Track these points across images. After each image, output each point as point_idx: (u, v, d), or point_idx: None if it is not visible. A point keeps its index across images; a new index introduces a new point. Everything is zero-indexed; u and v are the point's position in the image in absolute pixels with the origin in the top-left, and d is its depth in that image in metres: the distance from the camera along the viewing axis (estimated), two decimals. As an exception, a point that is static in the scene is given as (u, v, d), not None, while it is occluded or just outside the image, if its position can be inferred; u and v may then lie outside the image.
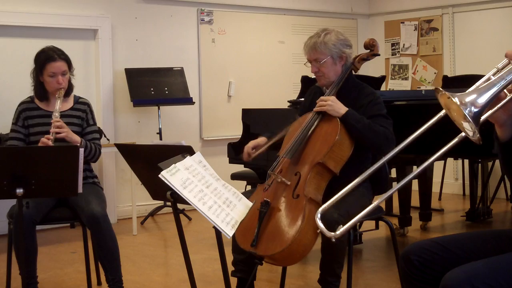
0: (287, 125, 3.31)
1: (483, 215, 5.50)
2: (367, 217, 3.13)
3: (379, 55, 3.42)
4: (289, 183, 2.96)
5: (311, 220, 2.76)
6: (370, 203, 2.46)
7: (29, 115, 3.57)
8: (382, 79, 5.52)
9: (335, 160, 3.00)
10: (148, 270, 4.31)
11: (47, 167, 2.89)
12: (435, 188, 6.02)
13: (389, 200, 5.58)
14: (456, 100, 1.72)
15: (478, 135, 1.74)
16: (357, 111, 3.09)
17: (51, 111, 3.50)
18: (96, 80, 6.03)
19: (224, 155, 5.01)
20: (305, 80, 4.85)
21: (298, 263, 3.56)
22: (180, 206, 2.67)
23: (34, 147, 3.32)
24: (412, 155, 4.55)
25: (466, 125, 1.77)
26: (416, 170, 2.08)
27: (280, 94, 6.80)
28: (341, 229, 2.06)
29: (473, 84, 1.87)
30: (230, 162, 5.01)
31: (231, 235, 2.35)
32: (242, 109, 5.17)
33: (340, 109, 3.07)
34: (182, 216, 5.72)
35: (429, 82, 7.34)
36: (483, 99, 1.74)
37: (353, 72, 3.31)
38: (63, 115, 3.49)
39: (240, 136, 5.00)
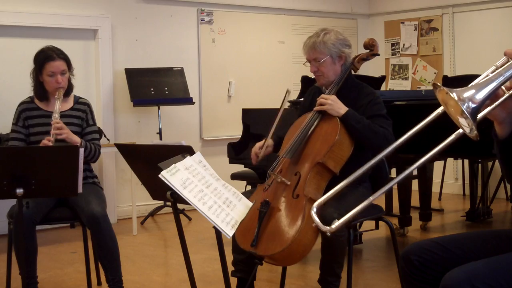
0: (281, 112, 3.29)
1: (483, 215, 5.49)
2: (365, 214, 3.13)
3: (378, 55, 3.42)
4: (289, 183, 2.96)
5: (311, 220, 2.75)
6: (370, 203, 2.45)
7: (29, 115, 3.57)
8: (382, 79, 5.52)
9: (335, 160, 3.01)
10: (148, 270, 4.30)
11: (47, 167, 2.89)
12: (435, 188, 6.02)
13: (389, 200, 5.58)
14: (454, 95, 1.71)
15: (475, 132, 1.73)
16: (357, 111, 3.09)
17: (51, 111, 3.49)
18: (96, 80, 6.03)
19: (224, 155, 5.01)
20: (305, 80, 4.86)
21: (298, 263, 3.56)
22: (180, 206, 2.67)
23: (34, 147, 3.32)
24: (412, 155, 4.54)
25: (463, 121, 1.76)
26: (415, 164, 2.05)
27: (280, 94, 6.68)
28: (336, 223, 2.05)
29: (472, 84, 1.87)
30: (230, 162, 5.02)
31: (231, 235, 2.35)
32: (242, 109, 5.18)
33: (340, 109, 3.07)
34: (182, 216, 5.72)
35: (429, 82, 7.33)
36: (481, 95, 1.74)
37: (353, 72, 3.32)
38: (63, 115, 3.48)
39: (240, 136, 5.00)
